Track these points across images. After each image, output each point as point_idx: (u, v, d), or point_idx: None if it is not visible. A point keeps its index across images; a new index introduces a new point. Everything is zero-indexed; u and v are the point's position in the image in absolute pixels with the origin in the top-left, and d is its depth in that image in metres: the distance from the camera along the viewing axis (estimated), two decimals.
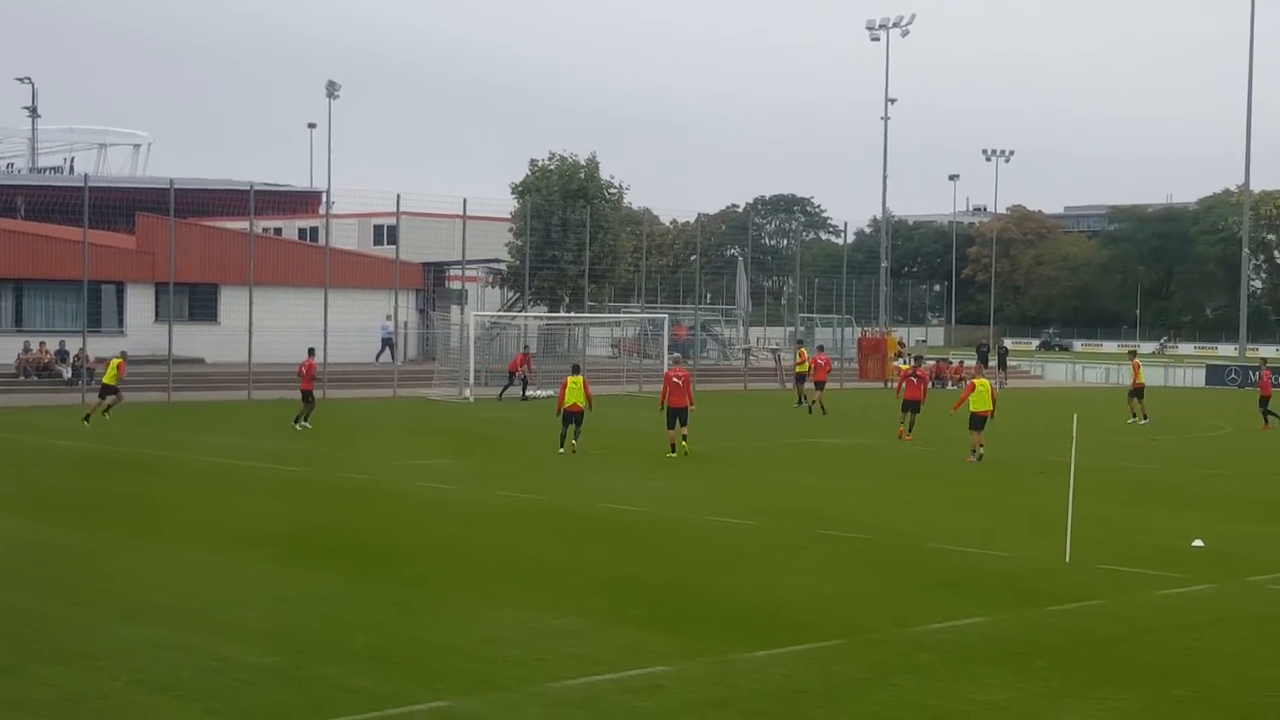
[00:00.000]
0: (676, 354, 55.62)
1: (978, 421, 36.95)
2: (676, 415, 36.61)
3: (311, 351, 46.33)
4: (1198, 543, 23.18)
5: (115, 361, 43.92)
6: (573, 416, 36.85)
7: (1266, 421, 49.85)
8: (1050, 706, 13.76)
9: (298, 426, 42.29)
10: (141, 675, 14.08)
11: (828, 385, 55.39)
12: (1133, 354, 52.34)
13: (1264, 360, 62.80)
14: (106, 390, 43.93)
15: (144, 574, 19.40)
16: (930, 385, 53.81)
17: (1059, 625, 17.18)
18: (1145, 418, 50.47)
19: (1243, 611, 18.33)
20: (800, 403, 56.02)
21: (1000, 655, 15.57)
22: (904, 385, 44.32)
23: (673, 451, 36.29)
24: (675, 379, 37.38)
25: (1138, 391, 52.26)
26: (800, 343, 68.78)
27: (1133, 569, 20.99)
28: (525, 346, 64.44)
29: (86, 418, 42.44)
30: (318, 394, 45.30)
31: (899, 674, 14.67)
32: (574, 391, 37.08)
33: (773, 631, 16.46)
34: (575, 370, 39.35)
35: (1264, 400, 51.29)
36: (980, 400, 37.17)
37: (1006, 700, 13.87)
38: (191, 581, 18.89)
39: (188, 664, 14.52)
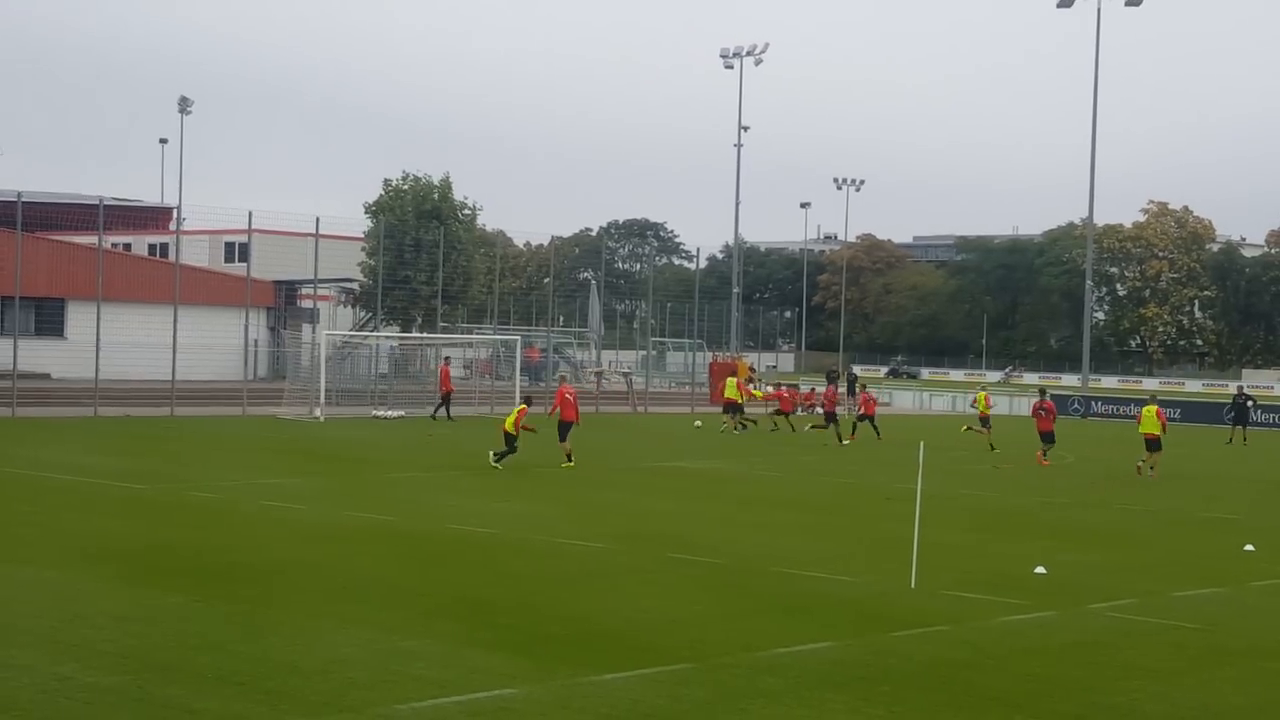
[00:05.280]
0: (562, 373, 58.97)
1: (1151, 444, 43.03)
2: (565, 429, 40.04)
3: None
4: (1040, 570, 23.53)
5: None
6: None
7: (855, 431, 54.85)
8: None
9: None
10: None
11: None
12: (982, 386, 54.32)
13: (866, 384, 67.65)
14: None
15: None
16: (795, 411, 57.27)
17: (904, 651, 17.35)
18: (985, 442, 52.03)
19: (1083, 639, 18.61)
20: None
21: (845, 680, 15.71)
22: (1036, 417, 47.94)
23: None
24: (566, 395, 40.79)
25: (985, 420, 54.28)
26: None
27: (977, 595, 21.27)
28: (446, 358, 64.91)
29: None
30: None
31: (745, 698, 14.76)
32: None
33: (621, 655, 16.50)
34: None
35: (866, 418, 56.20)
36: (1148, 424, 43.11)
37: None
38: (32, 600, 18.58)
39: (27, 683, 14.27)
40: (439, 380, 61.51)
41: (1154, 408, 44.31)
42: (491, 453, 38.77)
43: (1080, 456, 50.74)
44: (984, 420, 54.77)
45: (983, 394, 57.34)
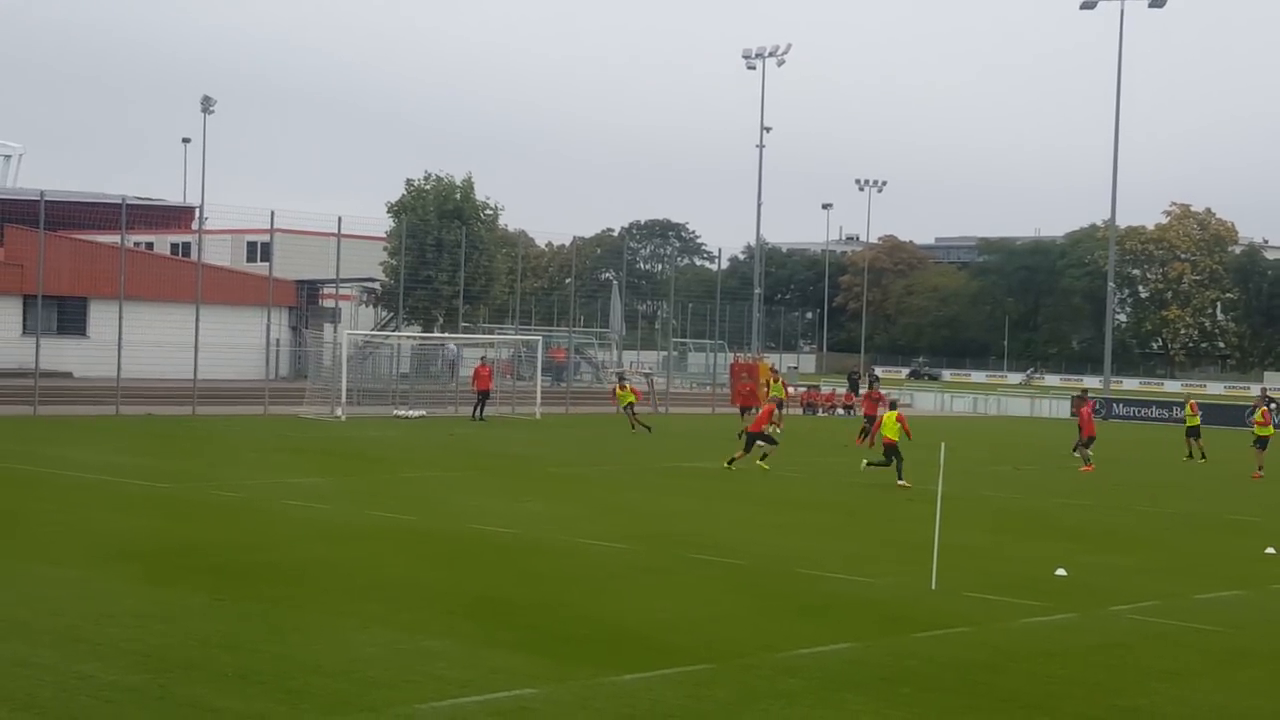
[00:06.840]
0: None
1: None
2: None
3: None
4: (1061, 572, 23.48)
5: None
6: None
7: (863, 437, 51.46)
8: None
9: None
10: (0, 693, 13.85)
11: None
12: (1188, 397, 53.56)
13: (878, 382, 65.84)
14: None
15: (5, 590, 19.06)
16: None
17: (925, 652, 17.32)
18: (1203, 456, 52.19)
19: (1104, 641, 18.57)
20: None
21: (866, 681, 15.69)
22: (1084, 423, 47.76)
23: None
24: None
25: (1194, 431, 53.72)
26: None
27: (997, 597, 21.23)
28: (482, 358, 65.47)
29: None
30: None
31: (766, 699, 14.74)
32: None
33: (641, 655, 16.49)
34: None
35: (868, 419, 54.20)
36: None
37: None
38: (54, 598, 18.60)
39: (49, 682, 14.28)
40: (474, 379, 62.07)
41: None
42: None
43: (1102, 459, 50.61)
44: (1194, 431, 53.58)
45: (1191, 402, 56.43)
